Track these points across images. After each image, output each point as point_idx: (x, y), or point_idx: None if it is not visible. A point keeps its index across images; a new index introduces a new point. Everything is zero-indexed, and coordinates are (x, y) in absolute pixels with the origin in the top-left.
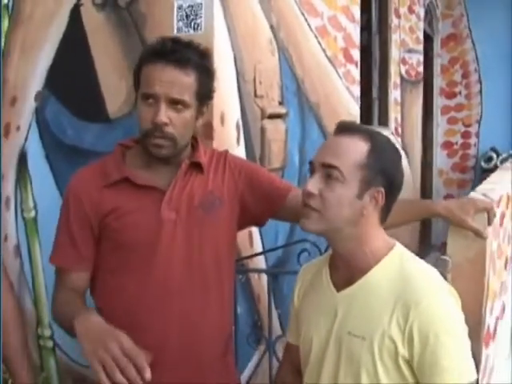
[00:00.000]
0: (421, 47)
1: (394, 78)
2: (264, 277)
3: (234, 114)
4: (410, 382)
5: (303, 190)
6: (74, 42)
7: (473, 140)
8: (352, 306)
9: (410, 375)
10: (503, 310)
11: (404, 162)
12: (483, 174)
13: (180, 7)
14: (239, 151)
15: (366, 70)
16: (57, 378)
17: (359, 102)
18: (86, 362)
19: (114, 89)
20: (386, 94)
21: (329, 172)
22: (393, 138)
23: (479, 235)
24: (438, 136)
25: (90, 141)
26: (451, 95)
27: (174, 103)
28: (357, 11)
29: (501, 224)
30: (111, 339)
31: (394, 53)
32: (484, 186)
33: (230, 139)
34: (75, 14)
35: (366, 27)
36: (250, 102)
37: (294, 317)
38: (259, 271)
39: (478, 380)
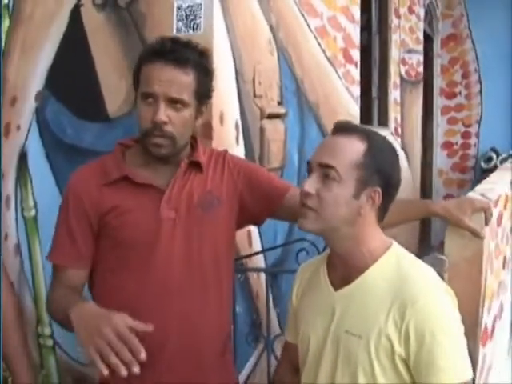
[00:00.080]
0: (421, 47)
1: (393, 78)
2: (263, 276)
3: (233, 114)
4: (406, 382)
5: (301, 190)
6: (74, 42)
7: (473, 140)
8: (349, 305)
9: (406, 375)
10: (501, 309)
11: (404, 162)
12: (483, 174)
13: (179, 7)
14: (238, 151)
15: (366, 70)
16: (57, 376)
17: (359, 102)
18: (86, 360)
19: (114, 88)
20: (385, 94)
21: (326, 172)
22: (392, 139)
23: (476, 235)
24: (438, 136)
25: (90, 140)
26: (451, 95)
27: (173, 102)
28: (357, 11)
29: (499, 224)
30: (105, 324)
31: (394, 53)
32: (483, 186)
33: (229, 139)
34: (75, 14)
35: (365, 27)
36: (250, 101)
37: (292, 315)
38: (258, 270)
39: (474, 379)
